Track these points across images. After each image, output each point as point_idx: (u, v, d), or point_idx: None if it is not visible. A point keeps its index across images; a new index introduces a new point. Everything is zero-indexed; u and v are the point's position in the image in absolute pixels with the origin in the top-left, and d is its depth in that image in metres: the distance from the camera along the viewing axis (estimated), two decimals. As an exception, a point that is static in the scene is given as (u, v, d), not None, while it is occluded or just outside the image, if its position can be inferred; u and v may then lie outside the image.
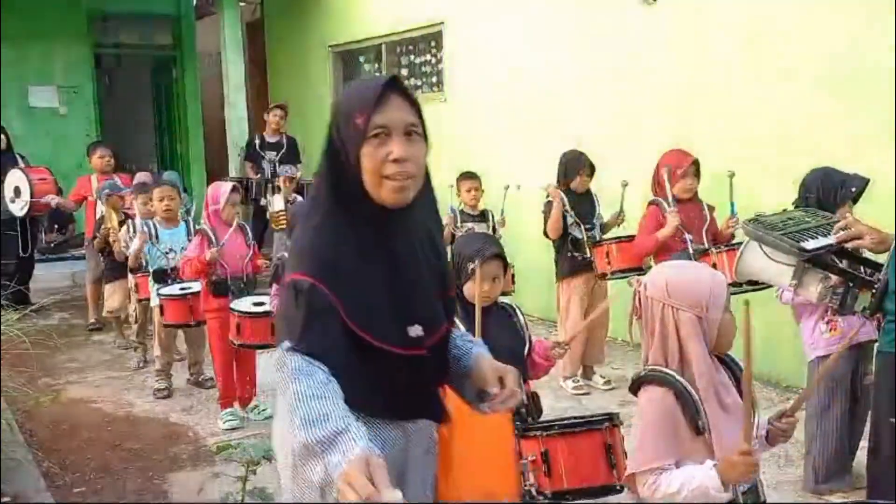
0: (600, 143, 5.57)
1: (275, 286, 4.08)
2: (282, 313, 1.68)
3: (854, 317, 3.34)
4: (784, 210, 3.31)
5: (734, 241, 4.29)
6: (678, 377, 1.97)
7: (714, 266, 3.96)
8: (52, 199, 7.03)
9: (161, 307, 5.04)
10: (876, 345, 2.98)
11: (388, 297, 1.64)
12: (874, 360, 2.94)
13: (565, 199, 4.95)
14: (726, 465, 1.88)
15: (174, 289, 5.03)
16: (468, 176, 5.90)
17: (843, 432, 3.59)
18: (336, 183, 1.65)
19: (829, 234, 2.80)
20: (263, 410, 4.85)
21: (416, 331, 1.67)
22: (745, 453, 1.85)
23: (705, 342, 1.98)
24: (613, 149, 5.69)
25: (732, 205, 4.41)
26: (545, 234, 5.07)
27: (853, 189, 3.52)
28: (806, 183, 3.62)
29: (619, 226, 5.06)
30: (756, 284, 3.77)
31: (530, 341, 2.72)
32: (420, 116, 1.69)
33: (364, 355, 1.61)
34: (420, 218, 1.74)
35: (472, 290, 2.64)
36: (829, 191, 3.54)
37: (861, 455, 3.61)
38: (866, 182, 3.54)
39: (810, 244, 2.74)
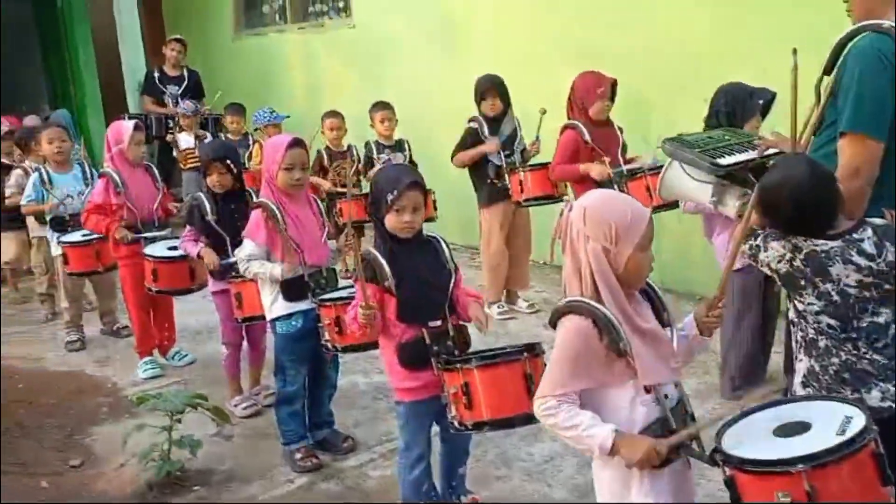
0: (514, 68, 5.49)
1: (188, 228, 3.91)
2: None
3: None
4: (705, 130, 3.34)
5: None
6: (594, 303, 1.97)
7: (647, 189, 3.99)
8: None
9: (64, 255, 4.79)
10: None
11: None
12: None
13: (483, 124, 4.88)
14: (629, 442, 1.91)
15: (76, 236, 4.78)
16: (381, 106, 5.79)
17: (757, 340, 3.73)
18: None
19: (748, 150, 2.84)
20: (185, 356, 4.73)
21: None
22: (657, 452, 1.89)
23: (614, 274, 1.97)
24: (528, 73, 5.62)
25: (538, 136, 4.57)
26: (451, 159, 5.00)
27: (760, 102, 3.57)
28: (714, 100, 3.66)
29: (533, 154, 5.01)
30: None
31: (456, 274, 2.68)
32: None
33: None
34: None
35: (393, 221, 2.58)
36: (736, 105, 3.57)
37: (776, 358, 3.80)
38: (773, 95, 3.59)
39: (726, 160, 2.77)
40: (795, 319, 2.35)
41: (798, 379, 2.37)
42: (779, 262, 2.29)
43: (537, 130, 4.91)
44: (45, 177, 4.98)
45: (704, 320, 2.13)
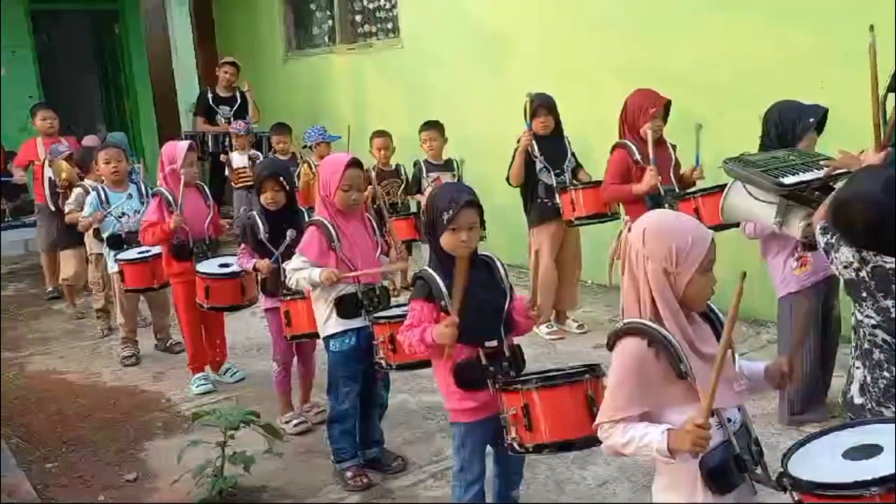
0: (561, 86, 5.48)
1: (242, 245, 3.97)
2: None
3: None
4: (761, 150, 3.28)
5: (717, 185, 4.00)
6: (653, 325, 1.93)
7: (696, 211, 3.93)
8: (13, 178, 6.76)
9: (121, 272, 4.90)
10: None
11: None
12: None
13: (534, 145, 4.88)
14: (678, 433, 1.86)
15: (132, 253, 4.88)
16: (429, 125, 5.84)
17: (816, 364, 3.64)
18: None
19: (812, 170, 2.78)
20: (236, 373, 4.78)
21: None
22: (699, 426, 1.82)
23: (674, 296, 1.94)
24: (575, 90, 5.61)
25: (697, 156, 4.29)
26: (507, 180, 5.00)
27: (811, 120, 3.50)
28: (765, 119, 3.60)
29: (695, 181, 4.40)
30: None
31: (511, 294, 2.66)
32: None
33: None
34: None
35: (449, 240, 2.57)
36: (787, 125, 3.51)
37: (836, 384, 3.69)
38: (824, 111, 3.51)
39: (790, 179, 2.72)
40: (854, 325, 2.30)
41: (856, 386, 2.32)
42: (845, 267, 2.25)
43: (696, 148, 4.27)
44: (104, 195, 5.11)
45: (773, 382, 2.08)
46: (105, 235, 5.13)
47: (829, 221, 2.28)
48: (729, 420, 1.97)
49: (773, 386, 2.10)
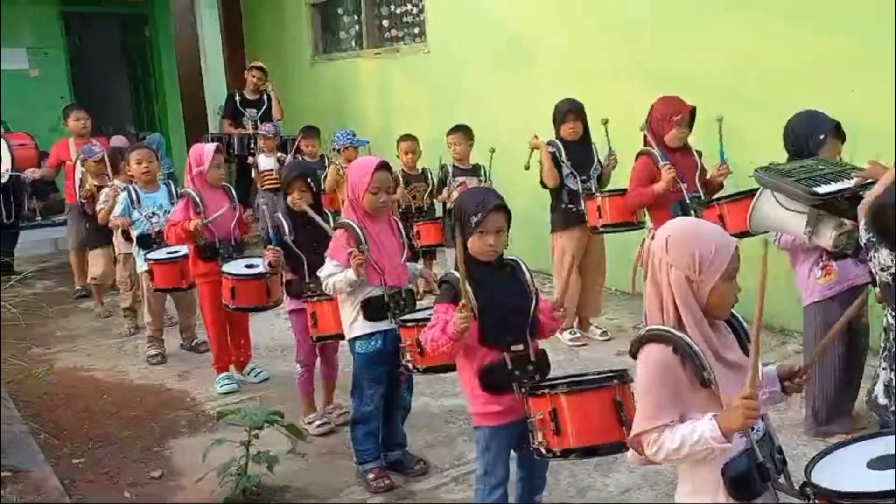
0: (586, 91, 5.48)
1: (269, 247, 4.00)
2: None
3: (848, 260, 3.34)
4: (794, 159, 3.26)
5: (741, 192, 4.07)
6: (677, 332, 1.93)
7: (721, 218, 3.92)
8: (31, 174, 6.87)
9: (150, 272, 4.96)
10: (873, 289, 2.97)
11: None
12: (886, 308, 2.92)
13: (560, 148, 4.89)
14: (727, 410, 1.85)
15: (161, 253, 4.94)
16: (455, 129, 5.87)
17: (842, 375, 3.60)
18: None
19: (843, 179, 2.76)
20: (260, 373, 4.82)
21: None
22: (748, 397, 1.81)
23: (697, 304, 1.93)
24: (601, 95, 5.60)
25: (722, 152, 4.30)
26: (542, 184, 5.01)
27: (822, 136, 3.47)
28: (784, 129, 3.59)
29: (614, 168, 4.94)
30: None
31: (537, 298, 2.67)
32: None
33: None
34: None
35: (477, 244, 2.59)
36: (801, 139, 3.50)
37: (863, 396, 3.65)
38: (835, 124, 3.49)
39: (823, 189, 2.70)
40: (885, 327, 2.28)
41: (880, 387, 2.30)
42: (882, 269, 2.23)
43: (608, 143, 4.82)
44: (134, 195, 5.18)
45: (788, 384, 2.07)
46: (135, 234, 5.20)
47: (867, 224, 2.26)
48: (752, 428, 1.96)
49: (786, 385, 2.08)
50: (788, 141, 3.56)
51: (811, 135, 3.46)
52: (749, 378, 1.83)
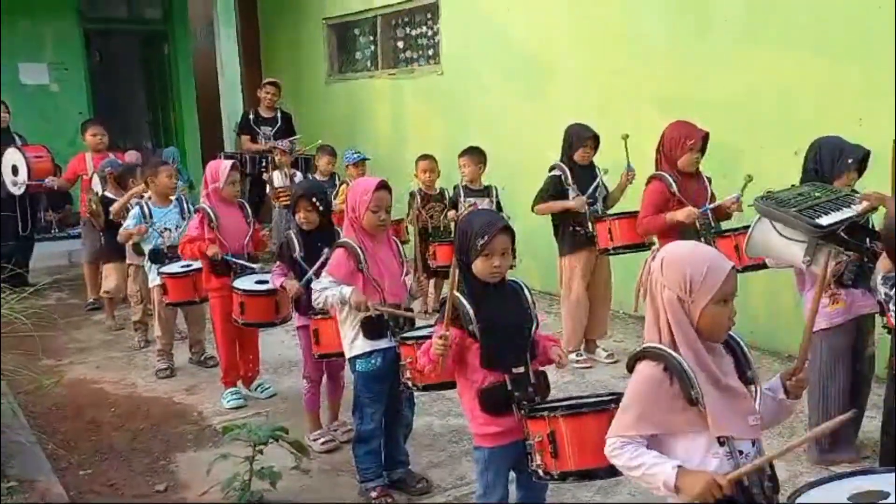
0: (599, 114, 5.52)
1: (278, 263, 4.05)
2: None
3: (856, 289, 3.34)
4: (793, 186, 3.27)
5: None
6: (668, 350, 1.97)
7: (736, 248, 3.91)
8: (51, 182, 6.97)
9: (163, 286, 5.01)
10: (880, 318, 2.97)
11: None
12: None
13: (567, 172, 4.91)
14: (692, 476, 1.89)
15: (174, 267, 5.00)
16: (467, 151, 5.91)
17: (846, 403, 3.58)
18: None
19: (842, 208, 2.77)
20: (267, 388, 4.85)
21: None
22: (719, 486, 1.86)
23: (690, 326, 1.97)
24: (613, 119, 5.64)
25: (739, 197, 4.26)
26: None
27: (850, 161, 3.49)
28: (806, 154, 3.60)
29: (630, 182, 4.92)
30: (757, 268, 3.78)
31: (537, 320, 2.69)
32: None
33: None
34: None
35: (482, 266, 2.61)
36: (826, 162, 3.51)
37: (865, 424, 3.64)
38: (866, 153, 3.50)
39: (825, 220, 2.71)
40: None
41: None
42: None
43: (627, 158, 4.82)
44: (147, 210, 5.26)
45: (789, 384, 2.09)
46: (147, 249, 5.27)
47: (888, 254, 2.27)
48: (741, 452, 1.99)
49: (788, 385, 2.09)
50: (810, 162, 3.56)
51: (839, 158, 3.47)
52: (733, 475, 1.88)
